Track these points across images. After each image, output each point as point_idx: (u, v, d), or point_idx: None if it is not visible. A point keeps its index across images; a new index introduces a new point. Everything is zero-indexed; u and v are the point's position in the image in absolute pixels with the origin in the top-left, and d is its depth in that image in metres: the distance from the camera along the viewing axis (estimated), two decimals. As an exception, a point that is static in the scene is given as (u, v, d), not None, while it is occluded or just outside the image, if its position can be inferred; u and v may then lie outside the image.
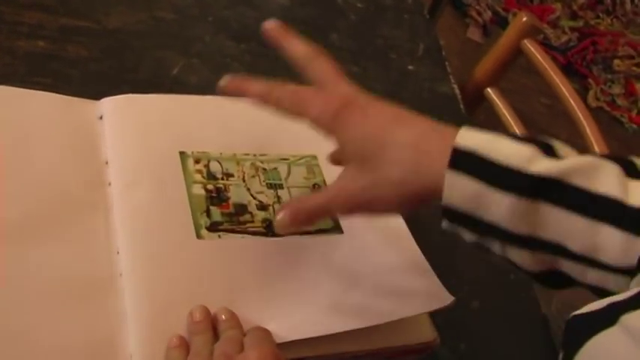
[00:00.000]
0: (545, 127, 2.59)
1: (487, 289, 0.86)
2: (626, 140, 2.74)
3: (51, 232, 0.65)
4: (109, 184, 0.71)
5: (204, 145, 0.76)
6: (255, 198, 0.74)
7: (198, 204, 0.71)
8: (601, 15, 3.21)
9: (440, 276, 0.72)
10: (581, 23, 3.12)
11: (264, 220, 0.73)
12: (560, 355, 0.42)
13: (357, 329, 0.65)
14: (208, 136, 0.77)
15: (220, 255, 0.68)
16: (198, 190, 0.72)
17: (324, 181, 0.78)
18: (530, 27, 1.18)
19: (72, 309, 0.62)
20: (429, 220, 0.91)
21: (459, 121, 1.06)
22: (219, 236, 0.69)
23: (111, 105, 0.77)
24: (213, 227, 0.70)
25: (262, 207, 0.74)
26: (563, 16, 3.10)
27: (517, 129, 1.19)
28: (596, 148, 1.08)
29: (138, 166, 0.72)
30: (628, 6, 3.28)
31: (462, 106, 1.10)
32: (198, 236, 0.69)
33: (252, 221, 0.72)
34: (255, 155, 0.78)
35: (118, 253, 0.66)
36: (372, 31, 1.15)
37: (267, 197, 0.75)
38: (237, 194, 0.73)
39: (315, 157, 0.80)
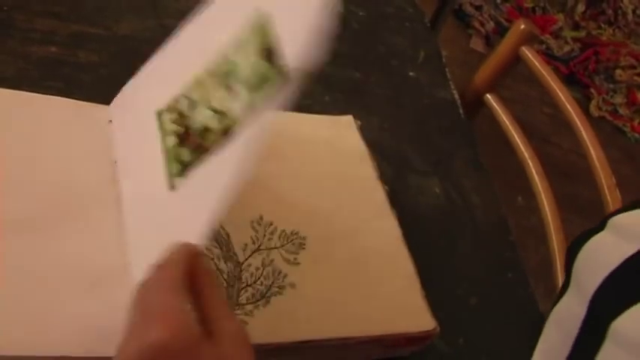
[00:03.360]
0: (546, 137, 2.62)
1: (485, 286, 0.89)
2: (628, 149, 2.75)
3: (65, 225, 0.68)
4: (118, 181, 0.74)
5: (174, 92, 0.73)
6: (216, 111, 0.68)
7: (172, 154, 0.69)
8: (603, 25, 3.23)
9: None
10: (583, 33, 3.15)
11: (225, 129, 0.66)
12: (562, 279, 0.45)
13: (361, 315, 0.68)
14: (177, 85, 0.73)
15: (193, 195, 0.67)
16: (171, 140, 0.70)
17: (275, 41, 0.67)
18: (528, 34, 1.20)
19: (84, 295, 0.65)
20: (428, 218, 0.94)
21: (459, 125, 1.09)
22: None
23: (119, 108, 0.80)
24: (184, 171, 0.67)
25: (221, 114, 0.68)
26: (565, 27, 3.13)
27: (517, 137, 1.21)
28: (595, 158, 1.10)
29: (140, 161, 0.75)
30: (630, 16, 3.30)
31: (461, 112, 1.12)
32: (172, 188, 0.68)
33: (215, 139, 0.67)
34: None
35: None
36: (374, 38, 1.18)
37: (224, 99, 0.68)
38: (200, 119, 0.69)
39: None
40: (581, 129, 1.13)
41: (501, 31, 2.91)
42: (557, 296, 0.45)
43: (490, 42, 2.91)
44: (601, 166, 1.08)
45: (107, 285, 0.66)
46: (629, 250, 0.40)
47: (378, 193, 0.85)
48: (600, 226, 0.44)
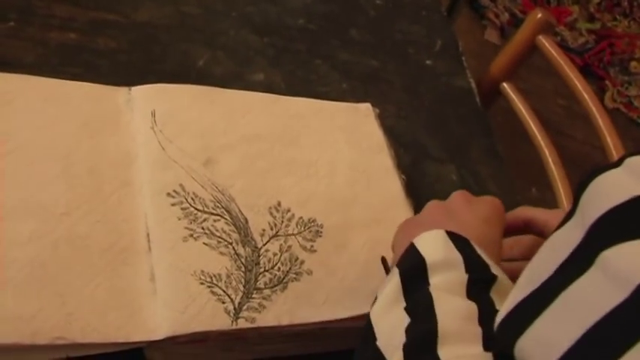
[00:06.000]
0: (561, 129, 2.61)
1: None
2: (642, 142, 2.75)
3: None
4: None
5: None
6: None
7: None
8: (618, 17, 3.22)
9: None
10: (598, 25, 3.13)
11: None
12: (571, 204, 0.45)
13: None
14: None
15: None
16: None
17: None
18: (544, 23, 1.20)
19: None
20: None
21: (475, 113, 1.09)
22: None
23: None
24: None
25: None
26: (580, 18, 3.11)
27: (534, 126, 1.21)
28: (612, 147, 1.09)
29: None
30: (645, 8, 3.28)
31: (478, 100, 1.12)
32: None
33: None
34: None
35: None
36: (391, 26, 1.18)
37: None
38: None
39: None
40: (598, 118, 1.12)
41: (516, 22, 2.90)
42: (560, 224, 0.45)
43: (505, 33, 2.90)
44: (617, 154, 1.08)
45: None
46: (638, 189, 0.40)
47: (394, 183, 0.85)
48: (617, 163, 0.44)
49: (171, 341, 0.63)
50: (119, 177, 0.73)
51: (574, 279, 0.39)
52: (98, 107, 0.78)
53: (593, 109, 1.13)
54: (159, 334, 0.63)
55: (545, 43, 1.20)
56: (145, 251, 0.68)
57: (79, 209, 0.69)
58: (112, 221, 0.69)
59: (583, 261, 0.39)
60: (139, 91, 0.81)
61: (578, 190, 0.45)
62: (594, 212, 0.41)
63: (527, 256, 0.74)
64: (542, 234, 0.71)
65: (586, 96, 1.14)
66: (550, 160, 1.16)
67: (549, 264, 0.42)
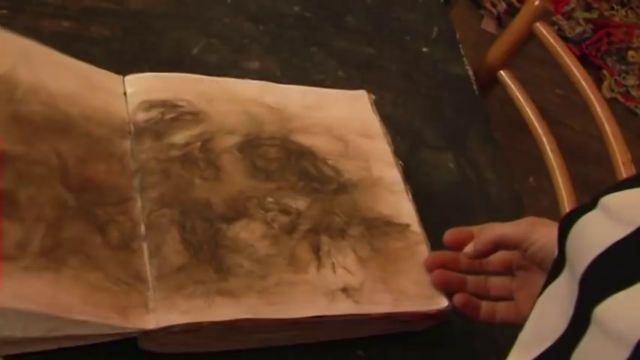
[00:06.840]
0: (558, 118, 2.60)
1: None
2: (640, 131, 2.74)
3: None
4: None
5: None
6: None
7: None
8: (615, 6, 3.21)
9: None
10: (595, 14, 3.12)
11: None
12: (556, 253, 0.45)
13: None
14: None
15: None
16: None
17: None
18: (542, 10, 1.19)
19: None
20: (442, 193, 0.93)
21: (472, 101, 1.08)
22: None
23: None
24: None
25: None
26: (577, 8, 3.10)
27: (532, 116, 1.20)
28: (610, 134, 1.09)
29: None
30: (643, -3, 3.27)
31: (475, 87, 1.12)
32: None
33: None
34: None
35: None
36: (387, 13, 1.17)
37: None
38: None
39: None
40: (596, 104, 1.11)
41: (513, 12, 2.88)
42: (551, 272, 0.45)
43: (502, 23, 2.89)
44: (616, 141, 1.07)
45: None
46: (616, 234, 0.40)
47: (392, 169, 0.84)
48: (592, 204, 0.43)
49: (165, 331, 0.62)
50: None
51: (580, 337, 0.39)
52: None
53: (591, 97, 1.13)
54: (152, 323, 0.62)
55: (543, 30, 1.19)
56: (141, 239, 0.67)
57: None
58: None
59: (583, 317, 0.39)
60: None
61: (559, 235, 0.44)
62: (581, 263, 0.40)
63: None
64: (517, 247, 0.71)
65: (584, 84, 1.13)
66: (548, 149, 1.15)
67: (557, 320, 0.42)
